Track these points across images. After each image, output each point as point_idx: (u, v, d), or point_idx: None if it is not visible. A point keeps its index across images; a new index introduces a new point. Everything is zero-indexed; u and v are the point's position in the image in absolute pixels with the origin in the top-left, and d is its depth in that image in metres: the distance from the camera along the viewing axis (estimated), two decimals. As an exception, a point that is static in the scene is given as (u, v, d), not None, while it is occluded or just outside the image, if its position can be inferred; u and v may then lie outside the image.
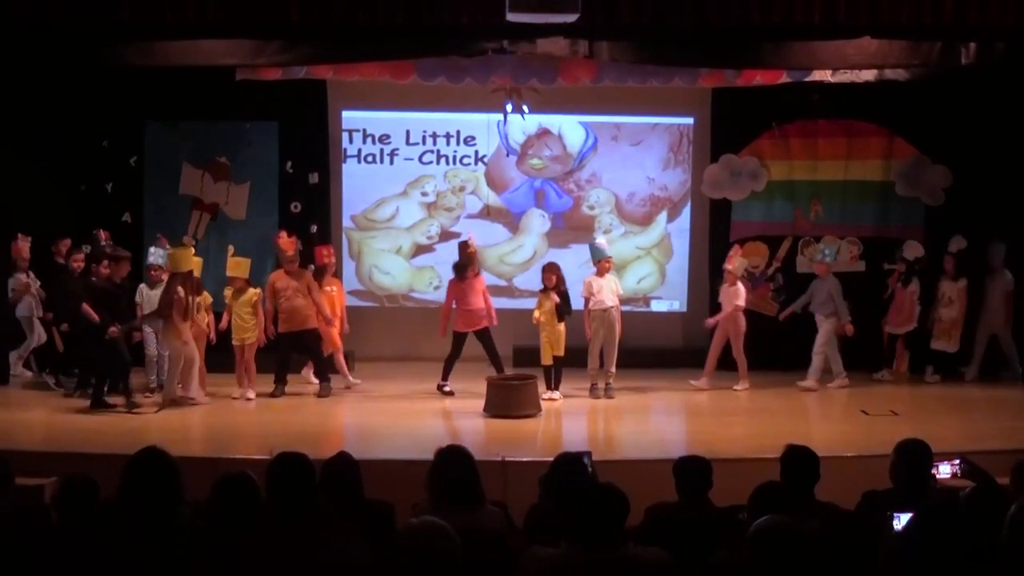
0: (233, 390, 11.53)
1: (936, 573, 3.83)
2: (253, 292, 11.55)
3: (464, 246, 11.91)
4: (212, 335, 11.61)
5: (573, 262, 13.08)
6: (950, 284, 12.60)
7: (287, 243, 11.89)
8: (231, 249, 11.92)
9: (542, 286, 11.59)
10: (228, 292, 11.60)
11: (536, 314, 11.48)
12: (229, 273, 11.57)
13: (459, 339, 11.78)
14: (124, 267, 11.15)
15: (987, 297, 12.77)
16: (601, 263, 11.68)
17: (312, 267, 12.28)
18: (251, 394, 11.41)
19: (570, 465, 5.53)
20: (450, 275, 11.93)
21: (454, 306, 11.78)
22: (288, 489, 4.30)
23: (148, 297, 11.46)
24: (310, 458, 4.53)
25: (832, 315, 12.20)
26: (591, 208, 14.43)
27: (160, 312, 10.88)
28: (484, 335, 11.76)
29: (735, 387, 11.96)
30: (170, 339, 10.95)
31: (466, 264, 11.74)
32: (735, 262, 12.14)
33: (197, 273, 11.34)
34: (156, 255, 11.61)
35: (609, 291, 11.56)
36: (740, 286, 12.04)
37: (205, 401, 11.15)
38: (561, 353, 11.44)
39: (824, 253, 12.76)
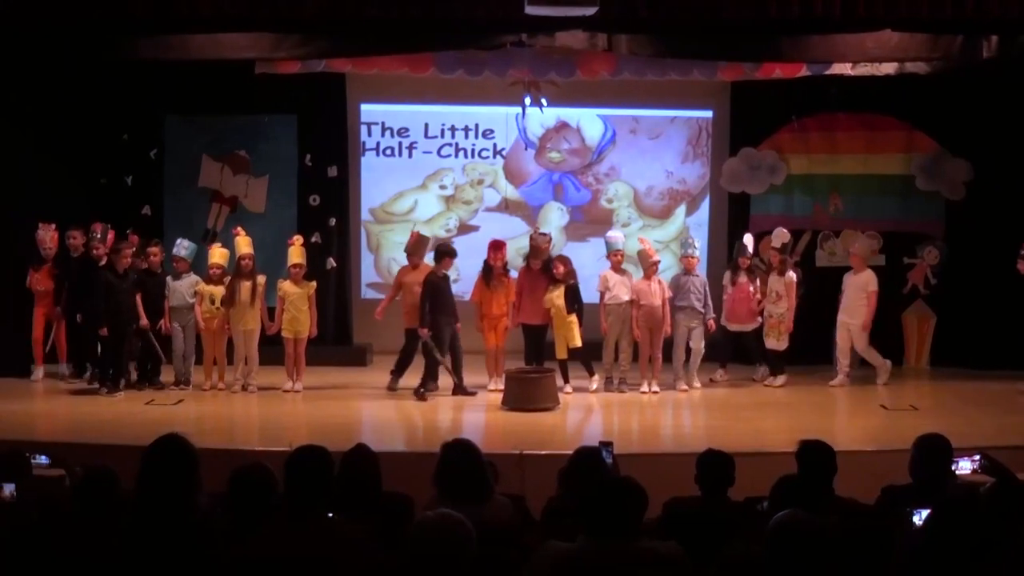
0: (284, 382, 11.53)
1: (955, 569, 3.82)
2: (310, 285, 11.56)
3: (531, 237, 11.91)
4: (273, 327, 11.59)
5: (591, 256, 13.06)
6: (777, 279, 11.87)
7: (417, 237, 11.86)
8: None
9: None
10: (285, 284, 11.51)
11: (548, 297, 11.35)
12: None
13: (525, 331, 11.62)
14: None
15: (842, 295, 12.08)
16: (612, 256, 11.63)
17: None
18: (299, 387, 11.46)
19: (589, 459, 5.53)
20: (470, 268, 11.92)
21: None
22: (305, 482, 4.31)
23: (174, 289, 11.52)
24: (329, 451, 4.54)
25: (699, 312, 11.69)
26: (609, 201, 14.40)
27: None
28: (540, 330, 11.57)
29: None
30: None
31: (528, 254, 11.73)
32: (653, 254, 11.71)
33: (223, 263, 11.56)
34: (181, 247, 11.66)
35: (624, 286, 11.52)
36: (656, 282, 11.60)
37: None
38: (578, 344, 11.42)
39: (695, 247, 12.00)
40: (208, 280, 11.54)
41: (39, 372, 12.07)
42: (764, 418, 10.37)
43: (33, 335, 12.04)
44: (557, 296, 11.29)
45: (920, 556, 3.92)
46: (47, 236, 11.98)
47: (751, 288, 12.07)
